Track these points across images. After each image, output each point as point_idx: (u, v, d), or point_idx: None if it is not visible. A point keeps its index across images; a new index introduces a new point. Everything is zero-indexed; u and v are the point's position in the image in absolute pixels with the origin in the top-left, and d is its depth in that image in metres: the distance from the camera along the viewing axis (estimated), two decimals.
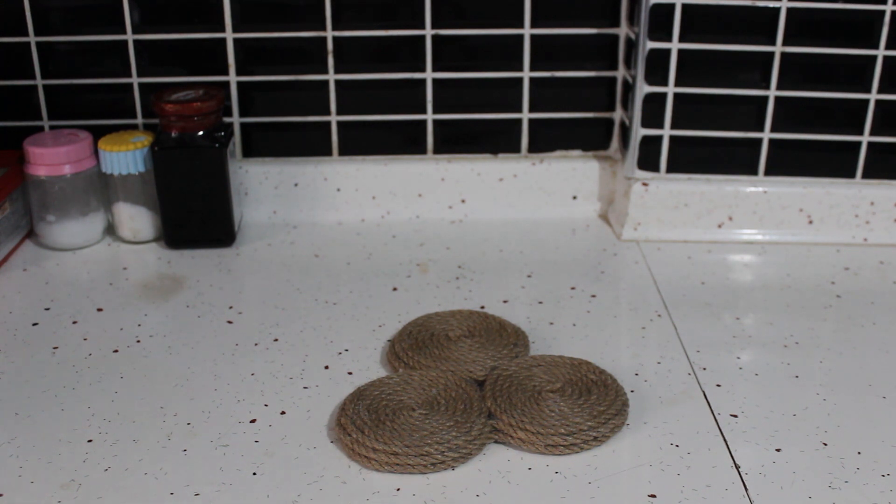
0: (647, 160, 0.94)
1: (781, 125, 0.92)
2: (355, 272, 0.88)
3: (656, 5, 0.88)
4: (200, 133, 0.89)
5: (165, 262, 0.90)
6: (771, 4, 0.87)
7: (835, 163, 0.92)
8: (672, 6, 0.88)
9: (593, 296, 0.84)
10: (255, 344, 0.76)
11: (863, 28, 0.87)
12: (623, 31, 0.95)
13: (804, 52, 0.89)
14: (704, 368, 0.73)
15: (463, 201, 0.99)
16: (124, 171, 0.90)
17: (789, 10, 0.87)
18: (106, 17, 0.93)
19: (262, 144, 0.99)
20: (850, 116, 0.91)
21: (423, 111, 0.98)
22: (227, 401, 0.69)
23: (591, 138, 0.99)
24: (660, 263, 0.89)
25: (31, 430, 0.66)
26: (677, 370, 0.73)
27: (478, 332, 0.75)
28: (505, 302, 0.83)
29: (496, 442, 0.64)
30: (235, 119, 0.97)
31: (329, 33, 0.94)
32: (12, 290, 0.85)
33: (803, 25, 0.88)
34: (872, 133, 0.91)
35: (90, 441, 0.65)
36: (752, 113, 0.92)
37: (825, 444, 0.64)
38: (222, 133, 0.90)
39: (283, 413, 0.68)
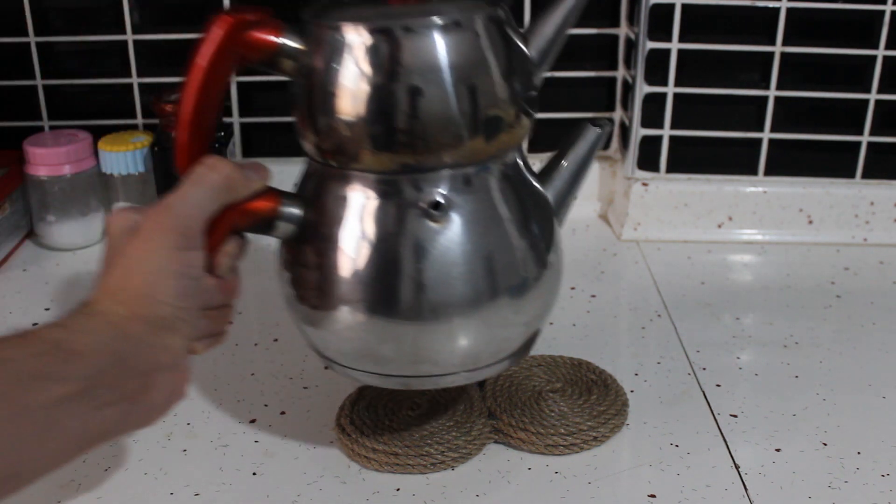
0: (647, 160, 0.94)
1: (781, 125, 0.92)
2: None
3: (656, 5, 0.88)
4: None
5: None
6: (771, 4, 0.87)
7: (835, 163, 0.92)
8: (672, 6, 0.88)
9: (593, 296, 0.84)
10: (255, 344, 0.76)
11: (863, 28, 0.87)
12: (623, 31, 0.95)
13: (804, 52, 0.89)
14: (704, 368, 0.73)
15: None
16: (124, 171, 0.90)
17: (789, 10, 0.87)
18: (106, 17, 0.93)
19: (262, 144, 0.99)
20: (850, 116, 0.91)
21: None
22: (227, 401, 0.69)
23: None
24: (660, 263, 0.89)
25: None
26: (677, 370, 0.73)
27: None
28: None
29: (496, 442, 0.64)
30: (235, 119, 0.97)
31: None
32: (12, 290, 0.85)
33: (803, 25, 0.88)
34: (872, 133, 0.91)
35: None
36: (751, 113, 0.92)
37: (825, 444, 0.64)
38: (222, 133, 0.90)
39: (283, 413, 0.68)
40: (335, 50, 0.51)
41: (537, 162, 0.98)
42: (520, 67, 0.54)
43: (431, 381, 0.57)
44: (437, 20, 0.50)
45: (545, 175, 0.59)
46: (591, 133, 0.59)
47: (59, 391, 0.43)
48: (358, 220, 0.53)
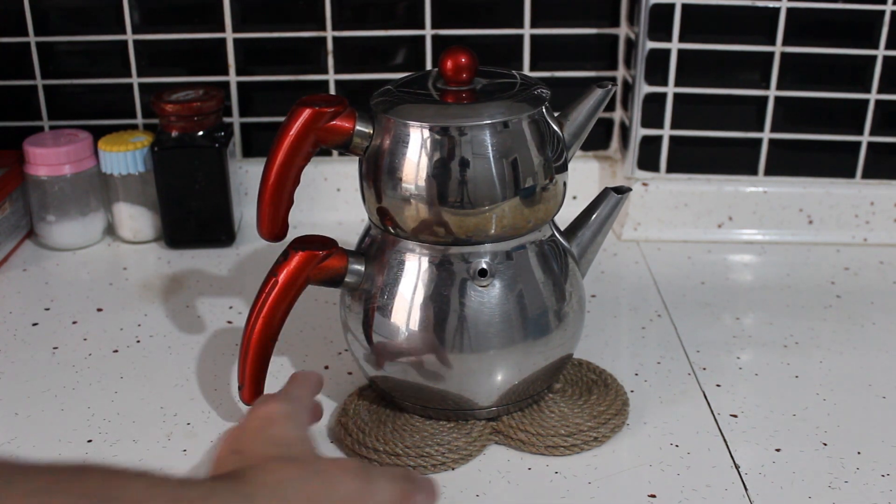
0: (647, 160, 0.94)
1: (781, 125, 0.92)
2: None
3: (656, 5, 0.88)
4: (200, 133, 0.89)
5: (165, 262, 0.90)
6: (771, 4, 0.87)
7: (835, 163, 0.92)
8: (672, 6, 0.88)
9: (593, 296, 0.84)
10: None
11: (863, 28, 0.87)
12: (623, 31, 0.95)
13: (804, 52, 0.89)
14: (704, 368, 0.73)
15: None
16: (124, 171, 0.90)
17: (789, 10, 0.87)
18: (106, 17, 0.93)
19: (262, 144, 0.99)
20: (850, 116, 0.91)
21: None
22: (227, 401, 0.69)
23: (591, 138, 0.99)
24: (660, 263, 0.89)
25: (31, 430, 0.66)
26: (677, 370, 0.73)
27: None
28: None
29: (496, 443, 0.64)
30: (235, 119, 0.97)
31: (329, 33, 0.94)
32: (12, 290, 0.85)
33: (803, 25, 0.88)
34: (872, 133, 0.91)
35: (90, 441, 0.65)
36: (752, 113, 0.92)
37: (825, 444, 0.64)
38: (222, 133, 0.90)
39: None
40: (401, 140, 0.60)
41: None
42: (553, 147, 0.62)
43: (466, 413, 0.65)
44: (487, 122, 0.59)
45: (571, 232, 0.68)
46: (612, 198, 0.68)
47: None
48: (413, 279, 0.62)
